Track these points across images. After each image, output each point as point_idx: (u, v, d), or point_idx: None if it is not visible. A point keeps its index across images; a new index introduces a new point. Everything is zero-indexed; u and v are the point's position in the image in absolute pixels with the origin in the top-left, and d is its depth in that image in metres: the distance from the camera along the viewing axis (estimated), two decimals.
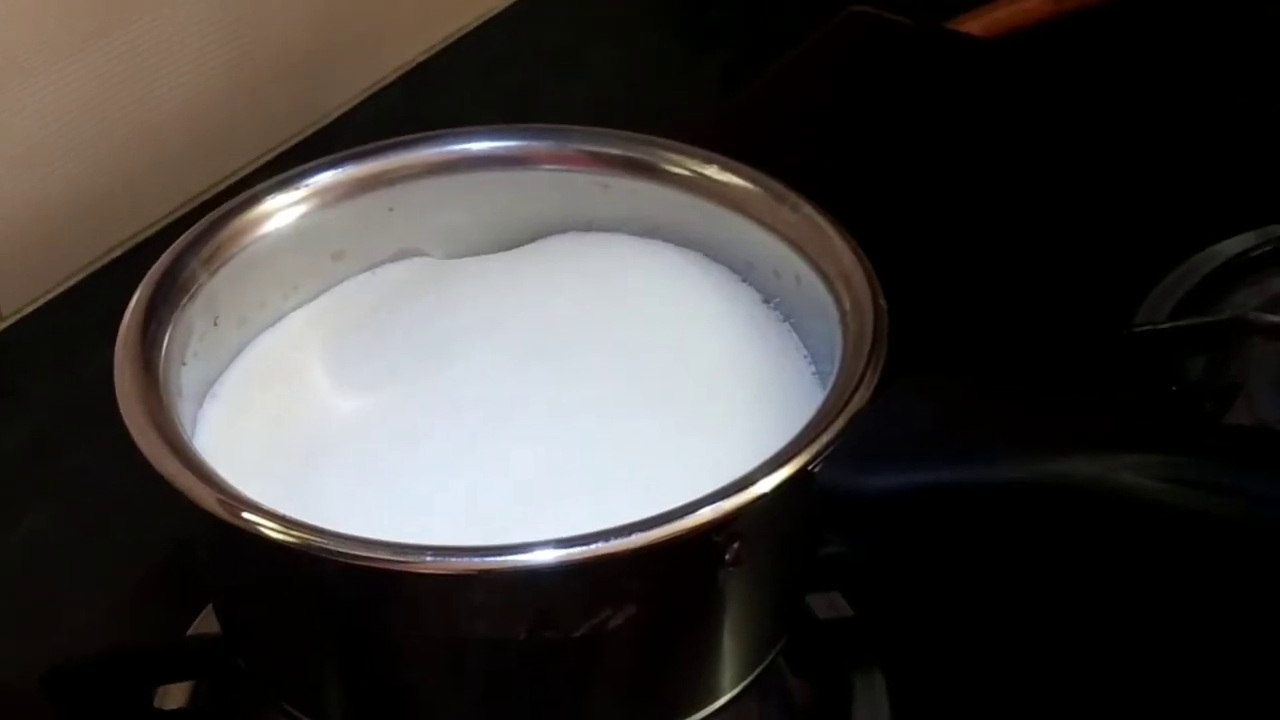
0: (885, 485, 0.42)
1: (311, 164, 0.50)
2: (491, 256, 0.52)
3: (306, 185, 0.50)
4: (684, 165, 0.51)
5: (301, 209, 0.50)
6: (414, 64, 0.81)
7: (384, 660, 0.43)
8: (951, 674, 0.54)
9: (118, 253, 0.71)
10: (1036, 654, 0.54)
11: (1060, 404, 0.42)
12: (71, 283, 0.70)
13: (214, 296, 0.48)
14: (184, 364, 0.46)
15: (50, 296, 0.69)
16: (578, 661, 0.43)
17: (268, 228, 0.49)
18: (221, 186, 0.73)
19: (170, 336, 0.46)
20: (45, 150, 0.68)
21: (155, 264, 0.47)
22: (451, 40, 0.82)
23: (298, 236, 0.50)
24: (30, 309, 0.69)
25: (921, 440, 0.42)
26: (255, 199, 0.49)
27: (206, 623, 0.53)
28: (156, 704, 0.51)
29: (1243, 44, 0.83)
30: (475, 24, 0.83)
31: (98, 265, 0.71)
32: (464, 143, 0.51)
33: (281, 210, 0.50)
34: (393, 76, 0.80)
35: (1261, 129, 0.74)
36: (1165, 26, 0.84)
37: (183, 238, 0.48)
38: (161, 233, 0.71)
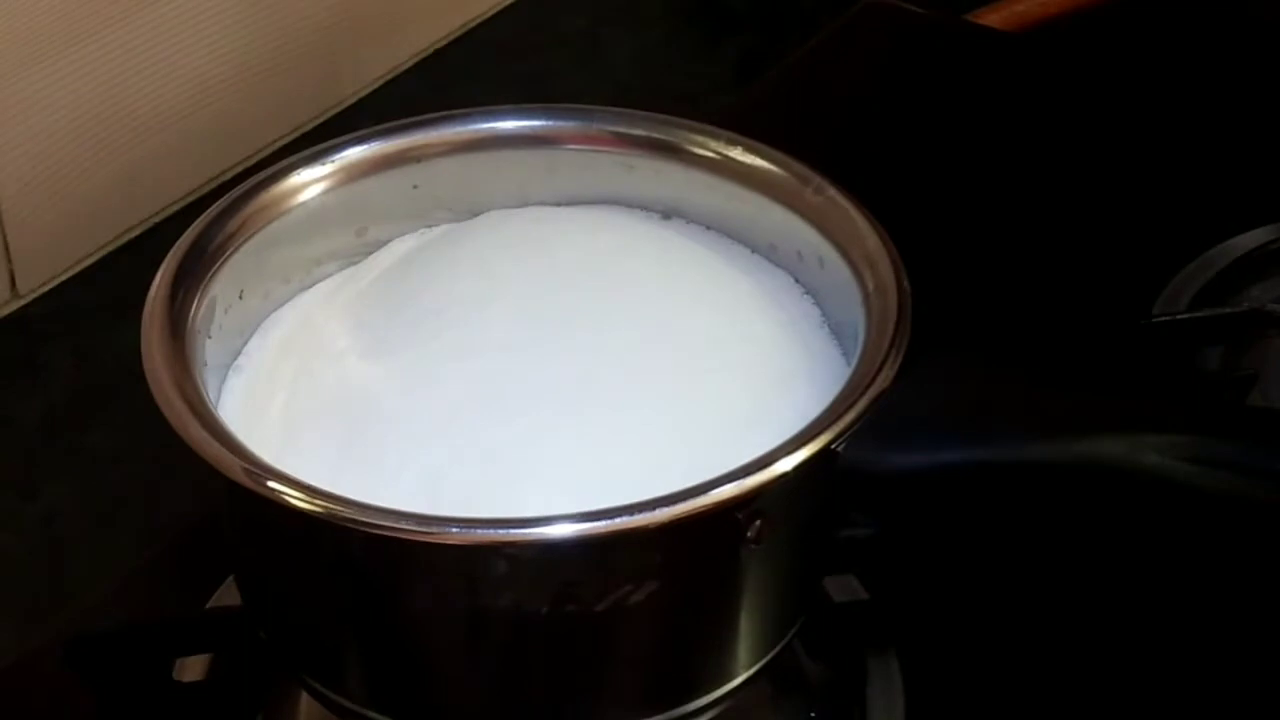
0: (909, 464, 0.42)
1: (338, 140, 0.51)
2: (511, 225, 0.52)
3: (333, 161, 0.50)
4: (708, 147, 0.51)
5: (326, 184, 0.50)
6: (432, 50, 0.81)
7: (405, 632, 0.44)
8: (966, 658, 0.54)
9: (135, 233, 0.71)
10: (1052, 638, 0.54)
11: (1084, 386, 0.42)
12: (88, 262, 0.70)
13: (239, 270, 0.48)
14: (209, 337, 0.47)
15: (67, 275, 0.70)
16: (597, 637, 0.43)
17: (293, 203, 0.49)
18: (239, 169, 0.73)
19: (196, 308, 0.46)
20: (64, 130, 0.68)
21: (183, 235, 0.47)
22: (470, 26, 0.82)
23: (323, 212, 0.50)
24: (47, 287, 0.69)
25: (946, 420, 0.43)
26: (281, 174, 0.50)
27: (225, 597, 0.53)
28: (175, 676, 0.51)
29: (1263, 39, 0.83)
30: (493, 10, 0.83)
31: (115, 245, 0.71)
32: (490, 121, 0.51)
33: (307, 186, 0.50)
34: (411, 62, 0.80)
35: None
36: (1184, 20, 0.84)
37: (209, 211, 0.48)
38: (178, 214, 0.71)
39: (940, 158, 0.74)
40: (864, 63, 0.79)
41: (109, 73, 0.68)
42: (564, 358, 0.47)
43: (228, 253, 0.48)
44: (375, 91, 0.79)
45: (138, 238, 0.71)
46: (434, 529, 0.40)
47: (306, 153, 0.50)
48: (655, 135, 0.51)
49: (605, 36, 0.82)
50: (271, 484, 0.41)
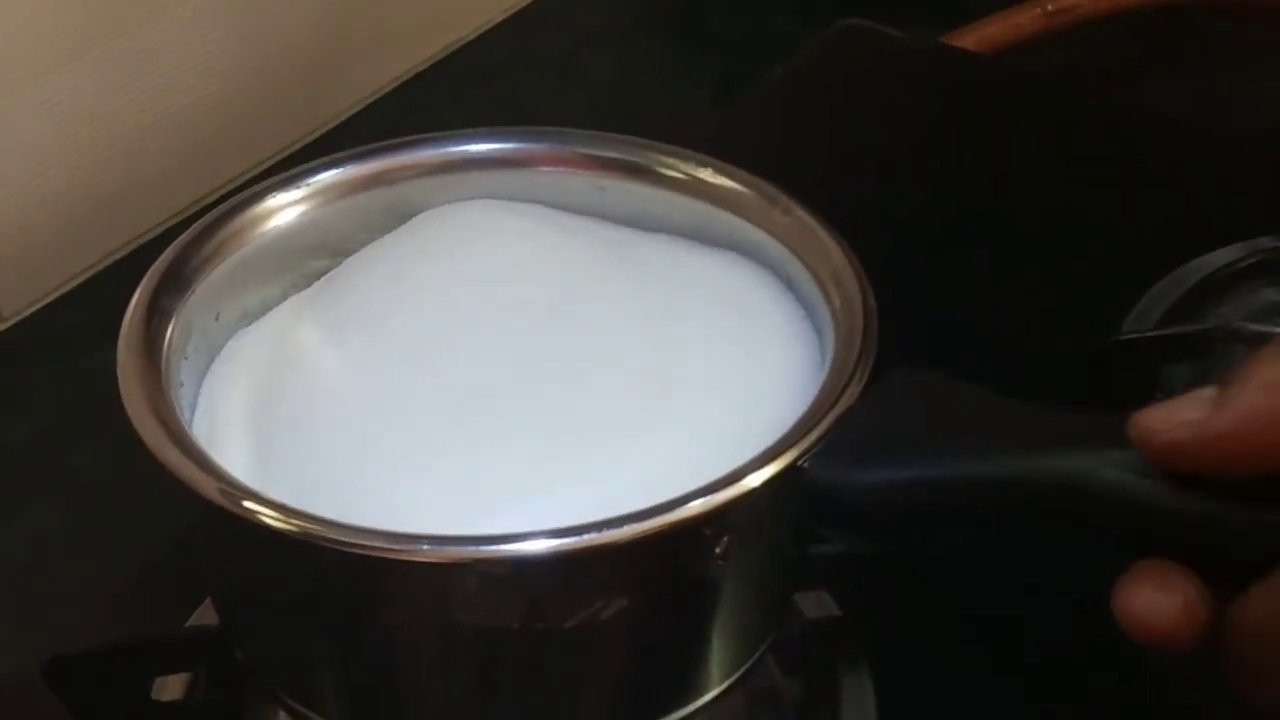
0: (876, 480, 0.43)
1: (312, 164, 0.51)
2: (459, 221, 0.52)
3: (307, 185, 0.51)
4: (678, 168, 0.51)
5: (302, 208, 0.50)
6: (415, 72, 0.81)
7: (378, 649, 0.44)
8: (939, 673, 0.54)
9: (118, 255, 0.72)
10: (1026, 652, 0.55)
11: (1047, 402, 0.43)
12: (73, 285, 0.71)
13: (214, 293, 0.48)
14: (186, 358, 0.47)
15: (52, 298, 0.70)
16: (567, 653, 0.43)
17: (268, 226, 0.50)
18: (222, 191, 0.73)
19: (172, 331, 0.47)
20: (48, 153, 0.68)
21: (158, 260, 0.48)
22: (452, 49, 0.83)
23: (297, 235, 0.50)
24: (31, 310, 0.70)
25: (911, 435, 0.43)
26: (256, 197, 0.50)
27: (204, 616, 0.53)
28: (154, 695, 0.51)
29: (1234, 57, 0.84)
30: (475, 33, 0.84)
31: (99, 268, 0.71)
32: (463, 144, 0.52)
33: (282, 209, 0.50)
34: (394, 84, 0.81)
35: (1251, 144, 0.75)
36: (1157, 41, 0.84)
37: (185, 234, 0.49)
38: (161, 236, 0.72)
39: (915, 178, 0.74)
40: (840, 84, 0.80)
41: (92, 96, 0.69)
42: (568, 362, 0.47)
43: (202, 277, 0.48)
44: (358, 114, 0.79)
45: (122, 259, 0.72)
46: (405, 546, 0.40)
47: (280, 177, 0.51)
48: (625, 157, 0.52)
49: (586, 59, 0.83)
50: (246, 503, 0.41)
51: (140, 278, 0.48)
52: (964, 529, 0.48)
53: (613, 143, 0.52)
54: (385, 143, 0.52)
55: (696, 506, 0.41)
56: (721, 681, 0.46)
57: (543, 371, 0.47)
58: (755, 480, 0.42)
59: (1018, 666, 0.55)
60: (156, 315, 0.46)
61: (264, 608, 0.46)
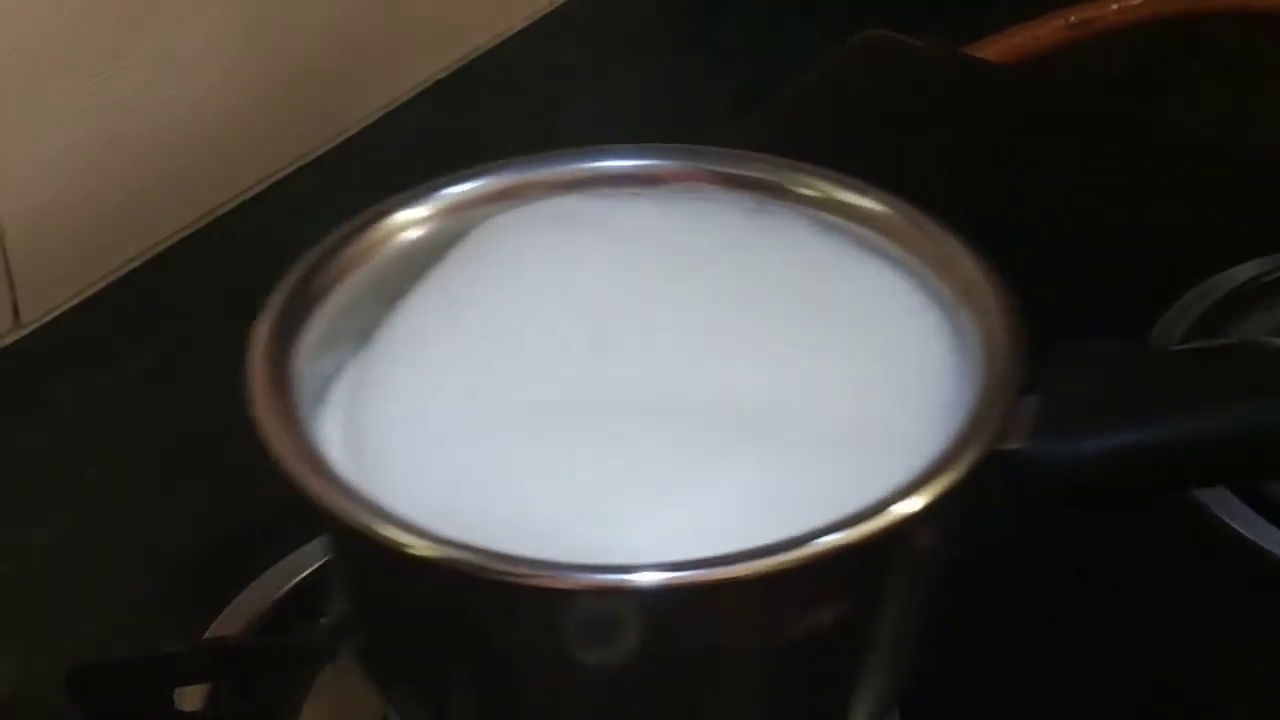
0: (1104, 448, 0.42)
1: (437, 180, 0.49)
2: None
3: (431, 201, 0.49)
4: (814, 186, 0.51)
5: (424, 226, 0.49)
6: (433, 81, 0.81)
7: (532, 679, 0.43)
8: (969, 714, 0.54)
9: (136, 263, 0.71)
10: (1054, 689, 0.54)
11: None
12: (90, 292, 0.70)
13: (338, 314, 0.47)
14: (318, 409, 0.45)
15: (69, 305, 0.70)
16: (774, 668, 0.42)
17: (382, 252, 0.48)
18: (240, 199, 0.73)
19: (297, 355, 0.45)
20: (65, 160, 0.68)
21: (282, 281, 0.46)
22: (470, 58, 0.83)
23: (419, 254, 0.48)
24: (50, 317, 0.69)
25: (1119, 403, 0.43)
26: (379, 216, 0.48)
27: (223, 626, 0.54)
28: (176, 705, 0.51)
29: (1255, 70, 0.84)
30: (493, 43, 0.84)
31: (116, 275, 0.71)
32: (594, 161, 0.50)
33: (399, 232, 0.48)
34: (412, 94, 0.80)
35: (1272, 157, 0.75)
36: (1178, 54, 0.84)
37: (306, 256, 0.47)
38: (181, 243, 0.72)
39: (934, 188, 0.74)
40: (861, 95, 0.79)
41: (112, 103, 0.69)
42: (719, 355, 0.45)
43: (326, 297, 0.46)
44: (376, 123, 0.79)
45: (139, 267, 0.71)
46: (609, 577, 0.39)
47: (405, 194, 0.48)
48: (763, 176, 0.50)
49: (605, 69, 0.83)
50: (426, 545, 0.40)
51: (160, 285, 0.47)
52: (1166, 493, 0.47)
53: (750, 161, 0.50)
54: (516, 158, 0.50)
55: (917, 501, 0.40)
56: None
57: (654, 374, 0.45)
58: (961, 468, 0.40)
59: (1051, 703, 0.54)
60: (283, 342, 0.45)
61: (403, 633, 0.44)
